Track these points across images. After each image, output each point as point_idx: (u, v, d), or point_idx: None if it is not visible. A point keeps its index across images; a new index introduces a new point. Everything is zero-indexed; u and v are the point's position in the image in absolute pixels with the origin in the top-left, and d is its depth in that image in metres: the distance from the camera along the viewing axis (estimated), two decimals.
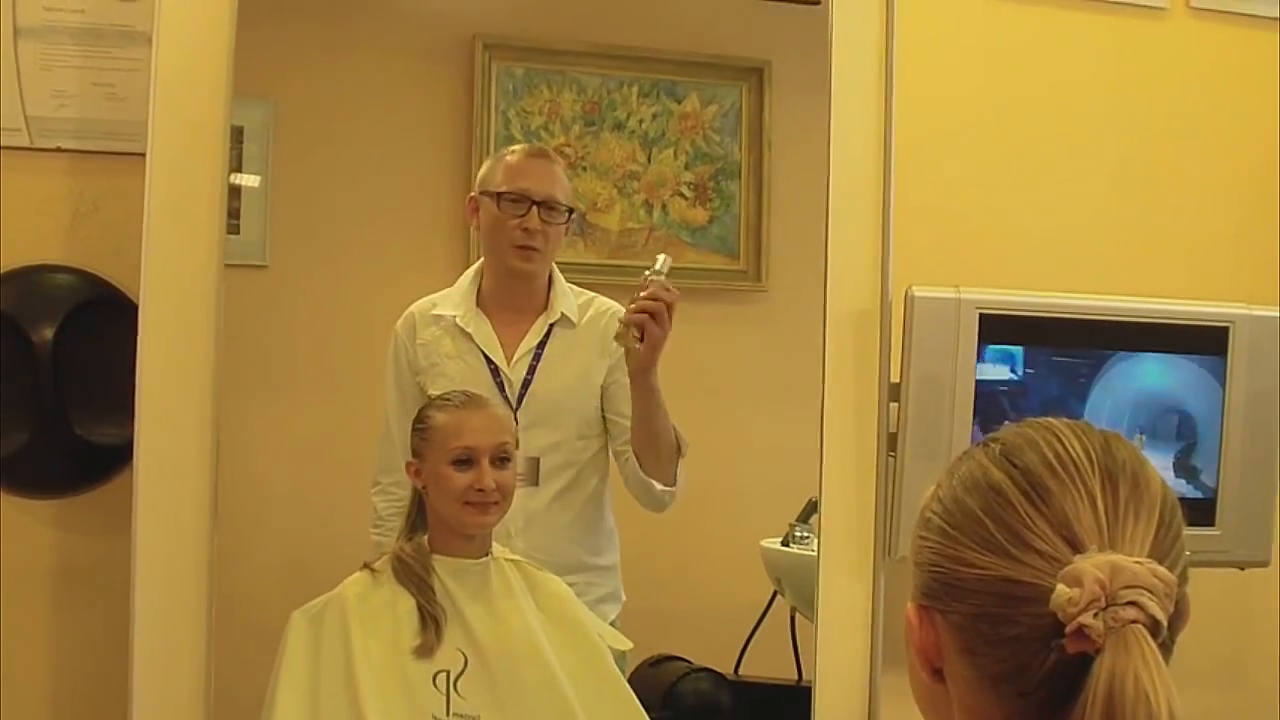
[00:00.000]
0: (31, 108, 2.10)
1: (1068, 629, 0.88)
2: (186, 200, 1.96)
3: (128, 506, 1.93)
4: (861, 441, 2.21)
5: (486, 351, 2.21)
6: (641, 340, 2.13)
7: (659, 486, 2.23)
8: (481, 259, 2.28)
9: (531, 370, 2.22)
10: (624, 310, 2.19)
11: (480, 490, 1.98)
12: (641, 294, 2.14)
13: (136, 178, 1.95)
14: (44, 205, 2.10)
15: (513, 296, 2.26)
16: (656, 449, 2.23)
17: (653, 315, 2.13)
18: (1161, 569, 0.89)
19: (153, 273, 1.94)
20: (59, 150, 2.11)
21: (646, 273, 2.17)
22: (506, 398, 2.19)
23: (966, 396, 2.17)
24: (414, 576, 1.97)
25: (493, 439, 2.01)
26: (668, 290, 2.14)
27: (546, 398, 2.21)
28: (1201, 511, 2.28)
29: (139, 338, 1.93)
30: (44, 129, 2.10)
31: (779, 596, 2.41)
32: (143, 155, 1.95)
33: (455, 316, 2.23)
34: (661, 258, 2.17)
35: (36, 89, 2.10)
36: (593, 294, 2.30)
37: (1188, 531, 0.97)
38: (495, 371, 2.21)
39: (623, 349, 2.17)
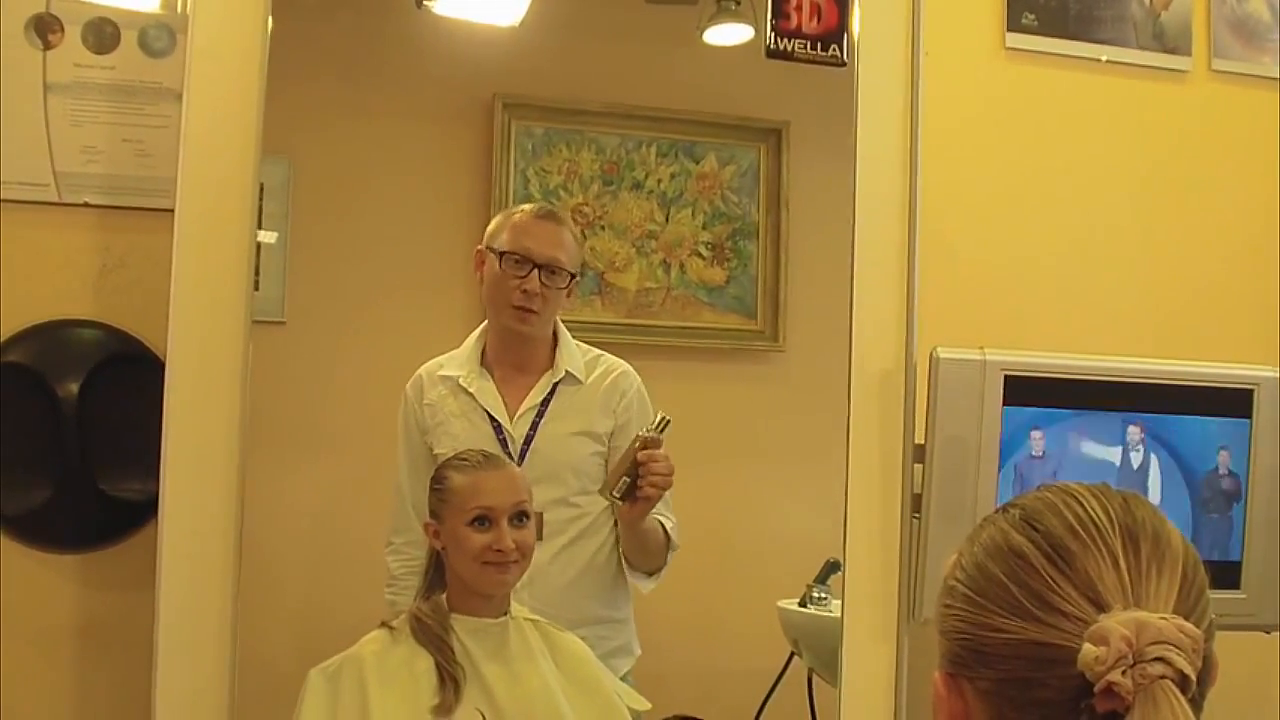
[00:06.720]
0: (60, 163, 2.12)
1: (1096, 688, 0.88)
2: (214, 256, 1.97)
3: (151, 562, 1.93)
4: (886, 503, 2.19)
5: (489, 409, 2.21)
6: (632, 502, 2.12)
7: (646, 584, 2.25)
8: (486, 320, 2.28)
9: (534, 426, 2.21)
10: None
11: (499, 550, 1.96)
12: (644, 461, 2.10)
13: (164, 233, 1.96)
14: (71, 260, 2.12)
15: (515, 355, 2.26)
16: (645, 551, 2.24)
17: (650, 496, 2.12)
18: (1187, 624, 0.90)
19: (180, 328, 1.94)
20: (86, 205, 2.13)
21: (644, 430, 2.14)
22: (510, 454, 2.18)
23: (991, 458, 2.15)
24: (432, 636, 1.95)
25: (510, 498, 2.00)
26: (669, 467, 2.11)
27: (549, 453, 2.21)
28: (1227, 574, 2.26)
29: (166, 393, 1.93)
30: (72, 184, 2.12)
31: (796, 657, 2.39)
32: (170, 211, 1.96)
33: (459, 377, 2.23)
34: (660, 416, 2.15)
35: (65, 144, 2.12)
36: (600, 351, 2.30)
37: (1213, 594, 0.97)
38: (498, 428, 2.20)
39: (627, 415, 2.19)
